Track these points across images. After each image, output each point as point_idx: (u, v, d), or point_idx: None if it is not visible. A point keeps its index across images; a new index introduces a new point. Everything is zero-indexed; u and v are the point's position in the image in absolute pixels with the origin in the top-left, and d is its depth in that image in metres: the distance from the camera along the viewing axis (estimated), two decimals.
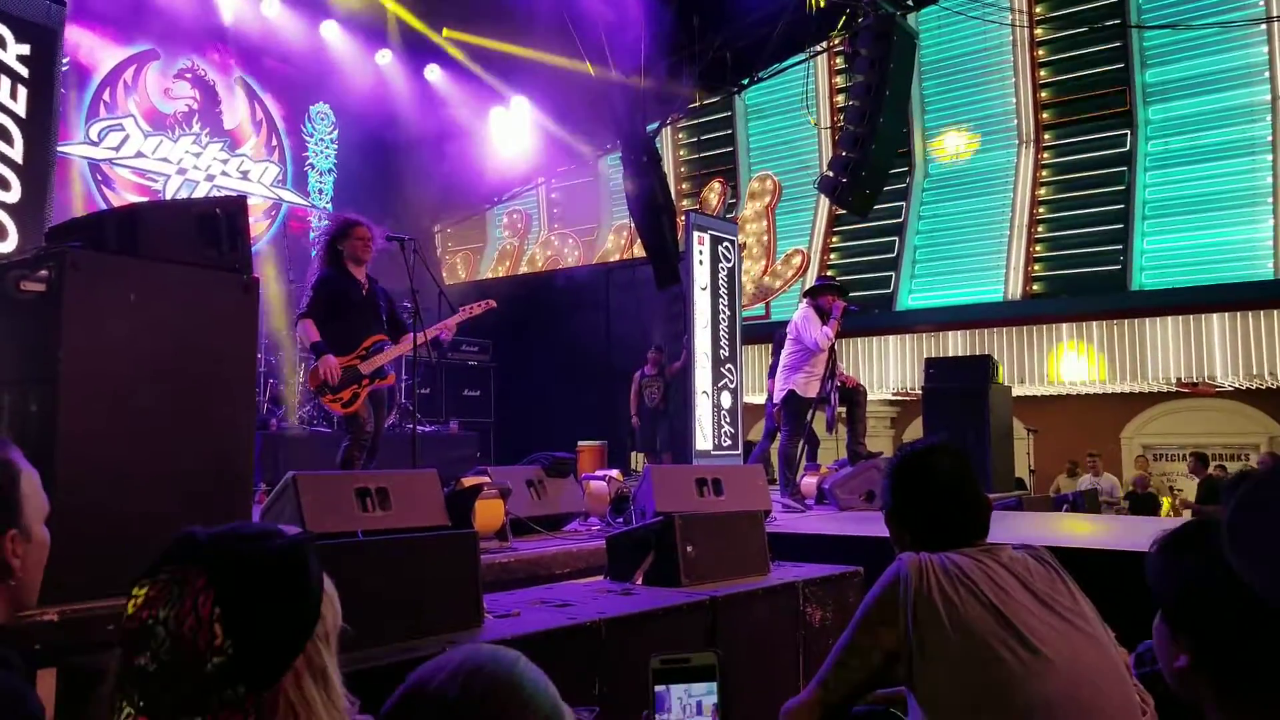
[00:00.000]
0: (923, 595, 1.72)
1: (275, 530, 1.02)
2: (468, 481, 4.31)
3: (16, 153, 5.73)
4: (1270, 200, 12.47)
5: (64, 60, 9.03)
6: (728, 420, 9.07)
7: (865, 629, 1.77)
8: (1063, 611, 1.74)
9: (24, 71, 5.81)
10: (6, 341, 3.17)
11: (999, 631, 1.67)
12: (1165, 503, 12.35)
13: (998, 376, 8.74)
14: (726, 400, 9.07)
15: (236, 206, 3.42)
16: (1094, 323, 12.83)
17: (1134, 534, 4.54)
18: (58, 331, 2.93)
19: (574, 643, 2.67)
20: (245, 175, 11.16)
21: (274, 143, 11.50)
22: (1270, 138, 12.71)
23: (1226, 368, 11.98)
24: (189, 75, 10.73)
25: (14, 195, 5.72)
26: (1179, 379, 12.48)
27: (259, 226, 11.16)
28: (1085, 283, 13.38)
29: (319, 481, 3.80)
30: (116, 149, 10.13)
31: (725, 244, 9.40)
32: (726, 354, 9.13)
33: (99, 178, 10.00)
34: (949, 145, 15.14)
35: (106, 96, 10.08)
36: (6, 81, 5.71)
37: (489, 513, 4.27)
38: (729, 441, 9.07)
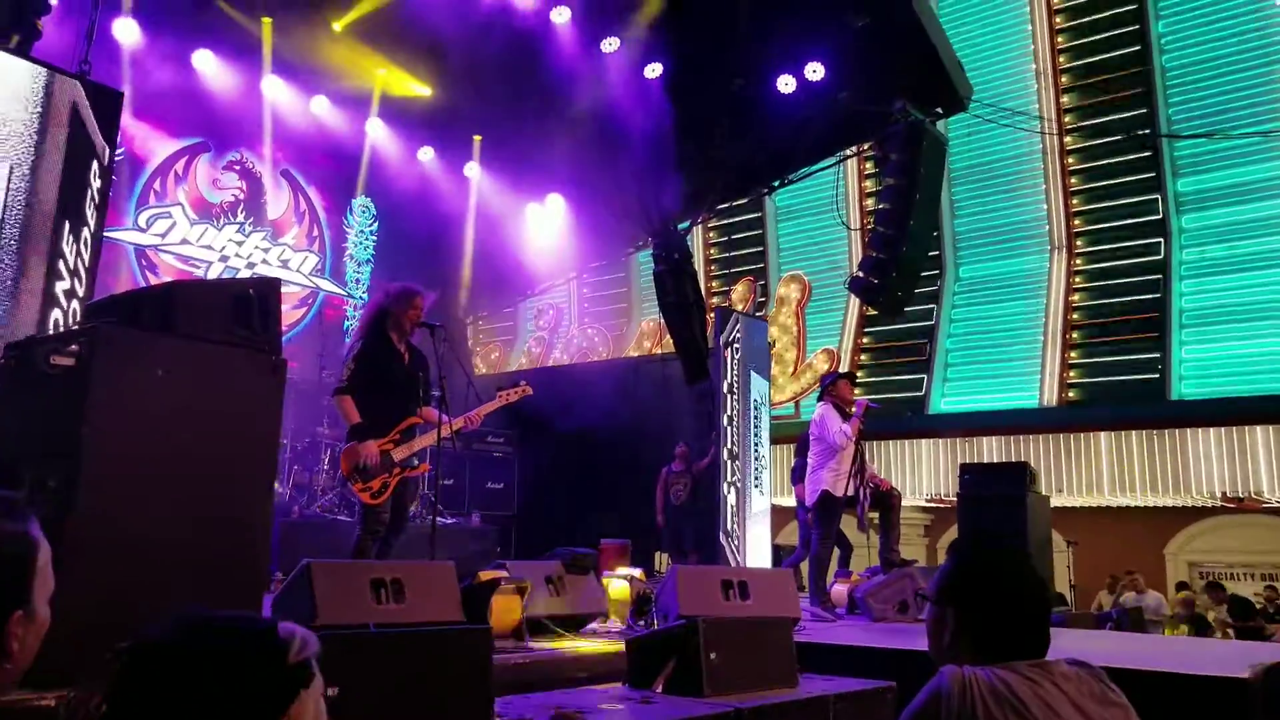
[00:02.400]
0: (966, 716, 1.56)
1: None
2: (485, 575, 4.19)
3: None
4: None
5: (119, 150, 9.43)
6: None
7: None
8: None
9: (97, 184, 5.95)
10: (34, 417, 3.16)
11: None
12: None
13: (1036, 485, 8.51)
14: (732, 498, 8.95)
15: (270, 288, 3.44)
16: (1133, 433, 12.54)
17: (1186, 655, 4.28)
18: (83, 406, 2.92)
19: None
20: (285, 264, 11.40)
21: (315, 233, 11.78)
22: None
23: (1274, 482, 11.60)
24: (237, 167, 11.09)
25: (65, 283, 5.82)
26: (1224, 493, 12.09)
27: (295, 314, 11.33)
28: (1123, 391, 13.14)
29: (333, 570, 3.70)
30: (163, 235, 10.41)
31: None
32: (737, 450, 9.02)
33: (144, 263, 10.25)
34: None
35: (157, 185, 10.42)
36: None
37: (506, 609, 4.13)
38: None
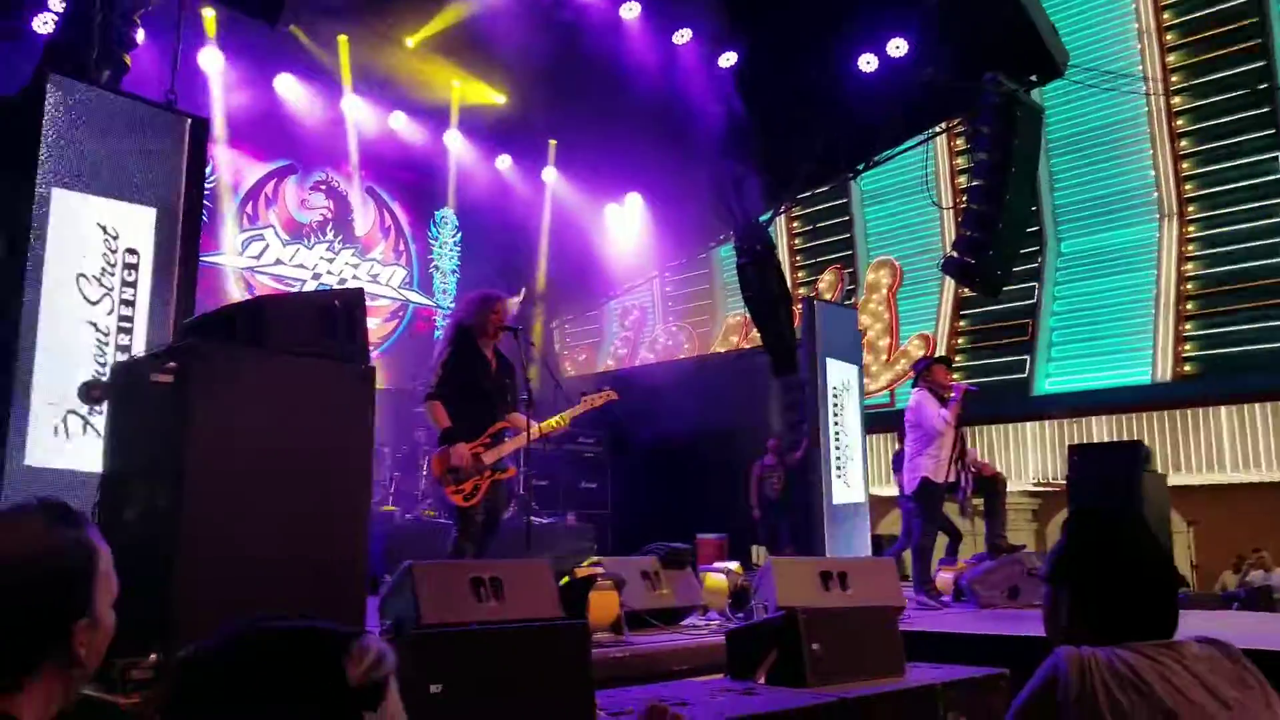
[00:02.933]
0: (1086, 701, 1.43)
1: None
2: (581, 572, 4.17)
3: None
4: None
5: (212, 176, 9.81)
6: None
7: None
8: (1252, 718, 1.44)
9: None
10: (140, 435, 3.28)
11: None
12: None
13: (1151, 464, 8.08)
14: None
15: (354, 299, 3.49)
16: (1255, 405, 11.82)
17: None
18: (184, 423, 3.00)
19: None
20: (375, 279, 11.68)
21: (401, 247, 12.04)
22: None
23: None
24: (323, 187, 11.42)
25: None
26: None
27: (387, 327, 11.61)
28: (1243, 361, 12.41)
29: (435, 571, 3.73)
30: (258, 257, 10.79)
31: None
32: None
33: (243, 286, 10.65)
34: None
35: (249, 209, 10.81)
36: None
37: (603, 605, 4.10)
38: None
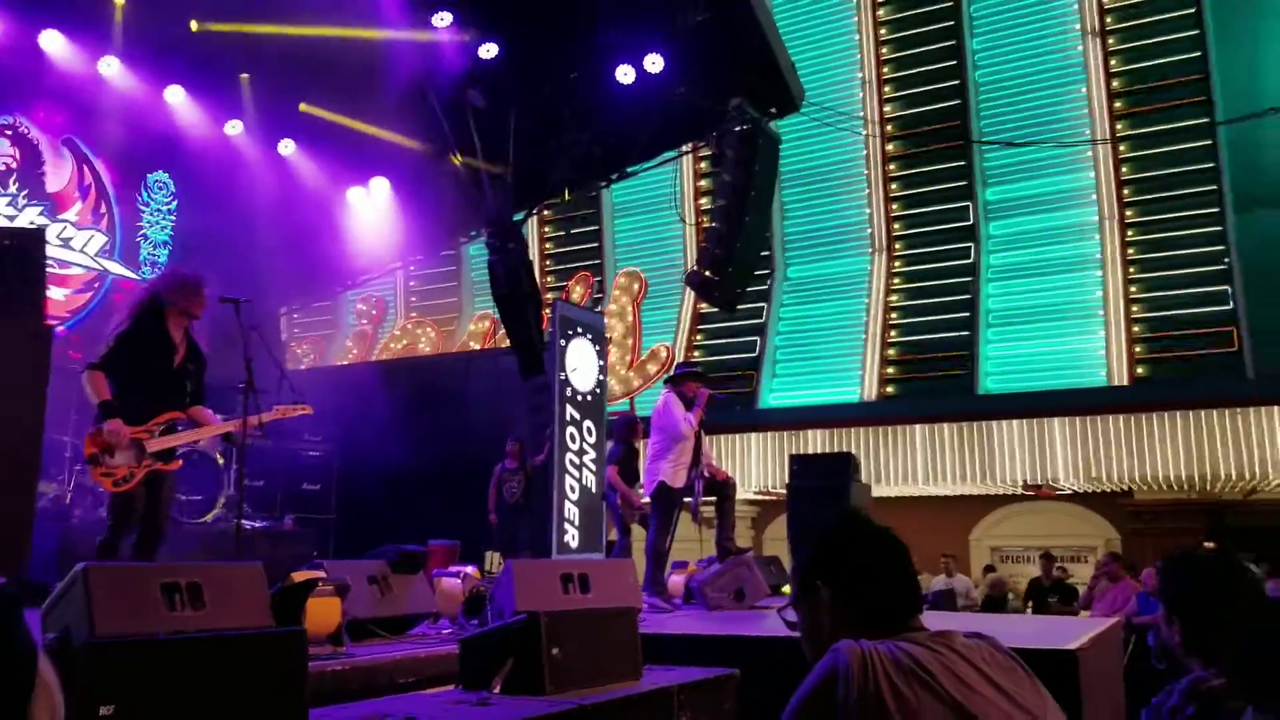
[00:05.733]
0: (869, 695, 1.38)
1: None
2: (299, 577, 3.76)
3: None
4: (1100, 312, 13.42)
5: None
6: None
7: None
8: (1030, 708, 1.45)
9: None
10: None
11: None
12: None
13: (858, 474, 8.77)
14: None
15: (32, 240, 2.91)
16: (944, 425, 13.26)
17: (1011, 632, 4.42)
18: None
19: None
20: (67, 243, 10.20)
21: (102, 210, 10.61)
22: (1099, 255, 13.78)
23: (1068, 470, 12.55)
24: (9, 132, 9.83)
25: None
26: (1025, 481, 12.98)
27: (79, 299, 10.18)
28: (936, 386, 13.90)
29: (114, 574, 3.19)
30: None
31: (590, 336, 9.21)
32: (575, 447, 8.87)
33: None
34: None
35: None
36: None
37: (323, 613, 3.71)
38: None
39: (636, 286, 15.68)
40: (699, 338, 15.95)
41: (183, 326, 4.73)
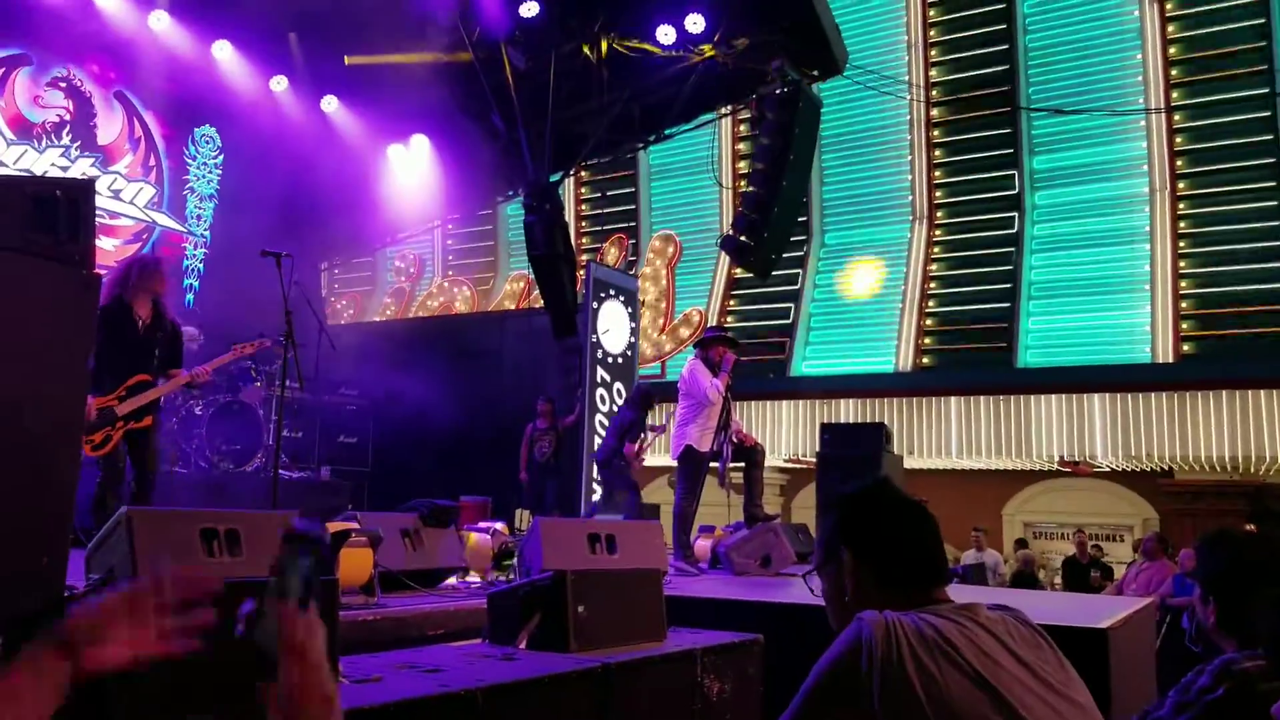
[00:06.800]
0: (892, 666, 1.39)
1: None
2: (333, 527, 3.85)
3: None
4: (1147, 287, 13.14)
5: None
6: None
7: (816, 709, 1.42)
8: (1055, 683, 1.45)
9: None
10: None
11: (988, 712, 1.36)
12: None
13: (890, 444, 8.72)
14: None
15: (81, 191, 2.96)
16: (981, 398, 13.13)
17: (1041, 609, 4.40)
18: None
19: (446, 714, 2.28)
20: (117, 194, 10.40)
21: (151, 163, 10.78)
22: (1148, 227, 13.45)
23: (1107, 447, 12.38)
24: (63, 84, 9.99)
25: None
26: (1061, 457, 12.83)
27: (128, 250, 10.37)
28: (973, 358, 13.73)
29: (157, 519, 3.30)
30: None
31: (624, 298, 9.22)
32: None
33: None
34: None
35: None
36: None
37: (356, 563, 3.81)
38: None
39: (671, 250, 15.62)
40: (733, 303, 15.88)
41: (149, 301, 5.29)
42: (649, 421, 8.40)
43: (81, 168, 10.06)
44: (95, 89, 10.22)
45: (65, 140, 9.99)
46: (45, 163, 9.80)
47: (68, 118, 10.00)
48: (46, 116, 9.86)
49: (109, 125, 10.37)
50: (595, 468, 8.94)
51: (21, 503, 2.70)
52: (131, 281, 5.30)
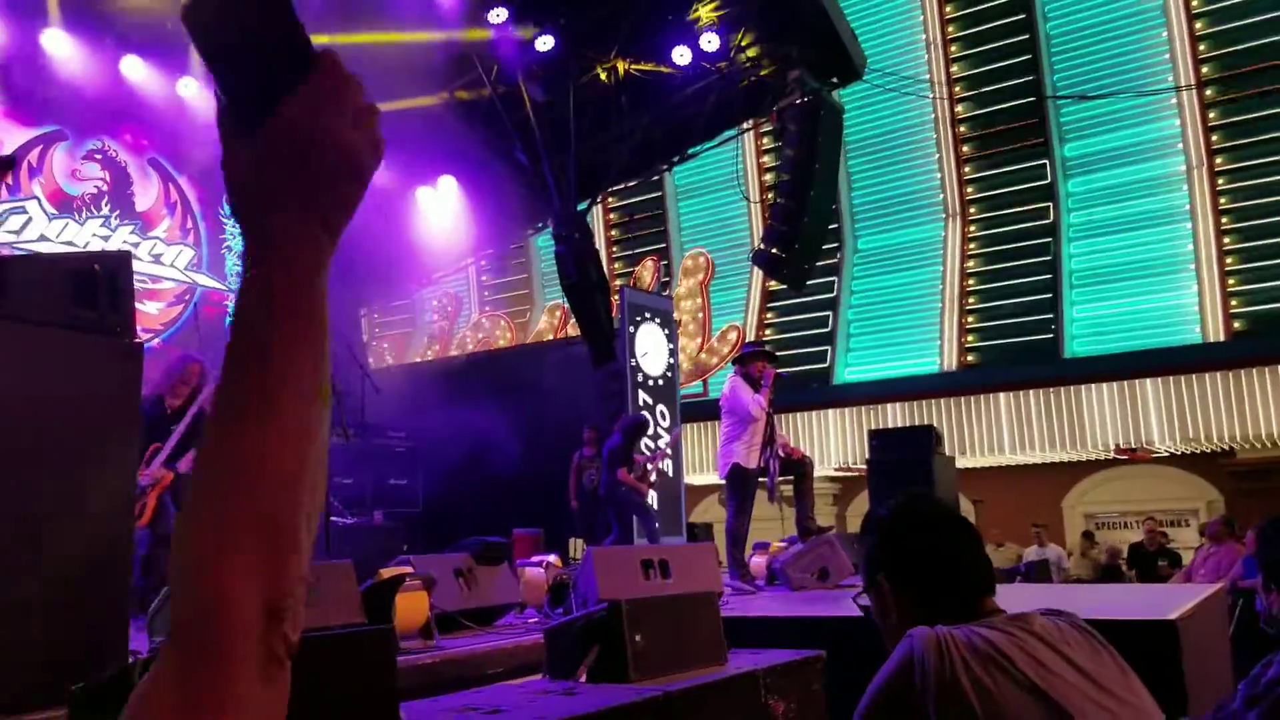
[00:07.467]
0: (946, 681, 1.36)
1: None
2: (387, 573, 3.87)
3: None
4: (1192, 266, 12.85)
5: None
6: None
7: None
8: (1115, 690, 1.41)
9: None
10: None
11: None
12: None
13: (940, 447, 8.59)
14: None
15: (120, 263, 3.03)
16: (1029, 391, 12.90)
17: (1106, 602, 4.29)
18: None
19: None
20: (157, 259, 10.66)
21: (189, 225, 11.04)
22: (1188, 206, 13.17)
23: (1163, 432, 12.09)
24: (99, 156, 10.29)
25: None
26: (1117, 445, 12.54)
27: (171, 311, 10.62)
28: (1019, 352, 13.51)
29: None
30: (18, 232, 9.58)
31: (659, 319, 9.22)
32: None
33: None
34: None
35: (9, 179, 9.56)
36: None
37: (412, 607, 3.82)
38: None
39: (703, 268, 15.61)
40: (770, 316, 15.81)
41: (185, 394, 5.65)
42: (641, 445, 8.38)
43: (122, 235, 10.34)
44: (130, 158, 10.51)
45: (105, 210, 10.27)
46: (87, 233, 10.08)
47: (105, 188, 10.29)
48: (85, 189, 10.15)
49: (145, 192, 10.65)
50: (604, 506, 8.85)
51: (84, 573, 2.75)
52: (172, 382, 5.70)
